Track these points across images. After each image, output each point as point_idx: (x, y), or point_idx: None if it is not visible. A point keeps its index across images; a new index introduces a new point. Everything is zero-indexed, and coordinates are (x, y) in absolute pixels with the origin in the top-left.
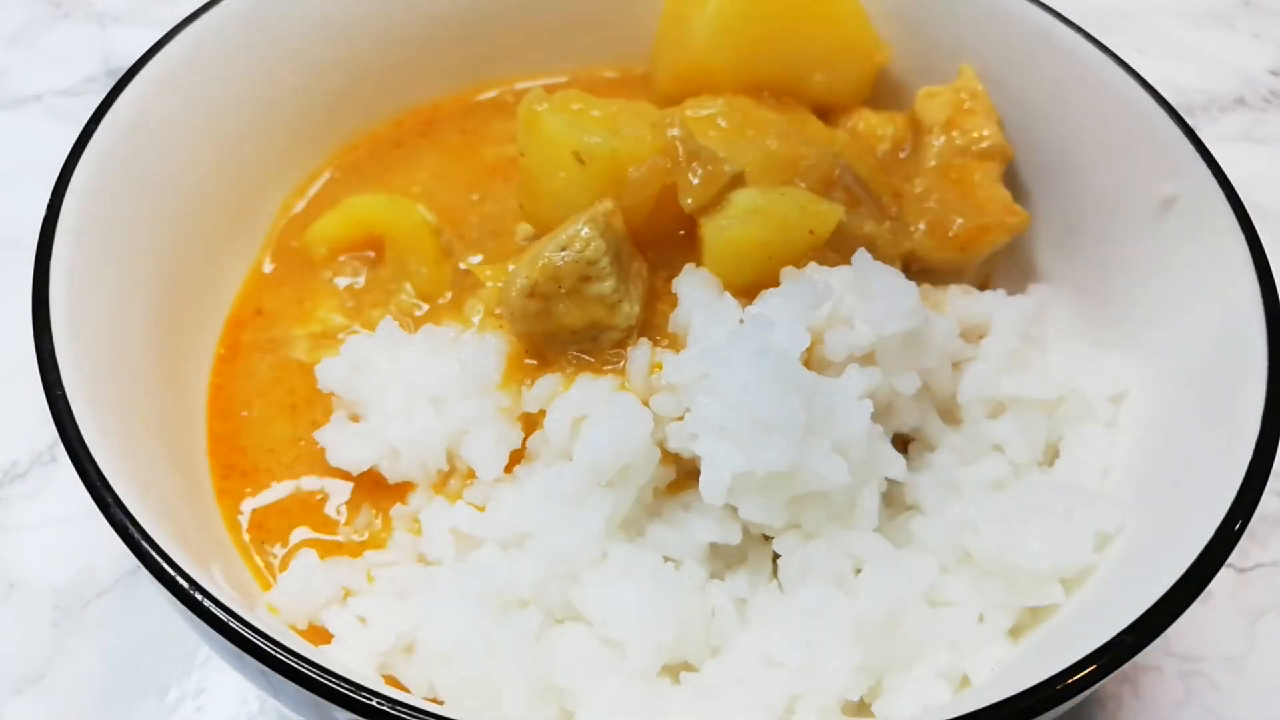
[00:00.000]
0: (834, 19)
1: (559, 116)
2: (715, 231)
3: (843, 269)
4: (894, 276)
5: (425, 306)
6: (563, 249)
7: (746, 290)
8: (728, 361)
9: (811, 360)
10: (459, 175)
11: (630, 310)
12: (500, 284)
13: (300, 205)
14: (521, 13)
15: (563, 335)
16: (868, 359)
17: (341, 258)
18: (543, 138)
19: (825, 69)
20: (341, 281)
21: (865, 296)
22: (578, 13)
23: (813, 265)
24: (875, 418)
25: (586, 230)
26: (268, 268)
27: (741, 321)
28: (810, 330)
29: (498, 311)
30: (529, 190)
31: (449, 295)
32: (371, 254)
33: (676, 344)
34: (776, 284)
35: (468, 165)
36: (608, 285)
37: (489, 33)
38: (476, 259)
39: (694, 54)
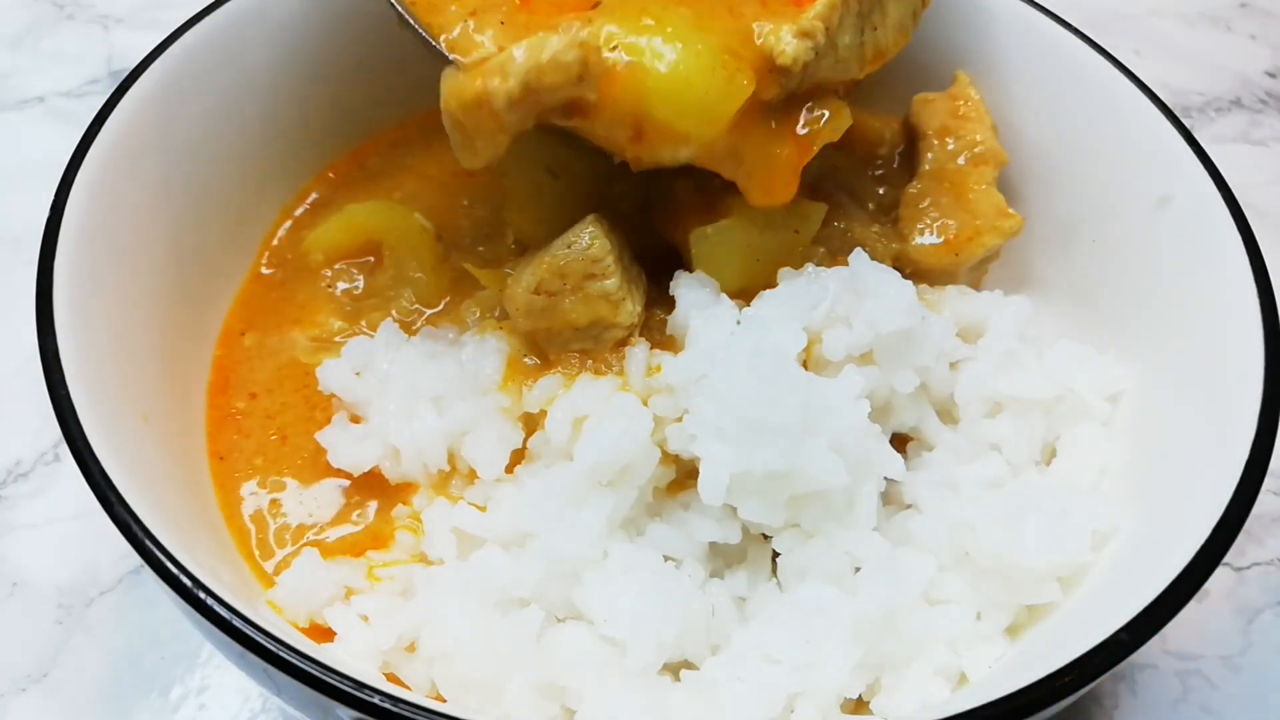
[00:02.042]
0: None
1: (530, 134)
2: (699, 240)
3: (839, 269)
4: (890, 275)
5: (426, 312)
6: (568, 247)
7: (741, 294)
8: (725, 363)
9: (810, 360)
10: (448, 181)
11: (633, 309)
12: (500, 290)
13: (298, 211)
14: None
15: (566, 333)
16: (865, 358)
17: (339, 265)
18: (517, 155)
19: None
20: (340, 286)
21: (862, 295)
22: None
23: (810, 266)
24: (873, 417)
25: (591, 230)
26: (266, 272)
27: (738, 323)
28: (808, 330)
29: (494, 314)
30: (513, 208)
31: (447, 300)
32: (370, 259)
33: (674, 346)
34: (770, 286)
35: (456, 171)
36: (612, 283)
37: None
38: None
39: None
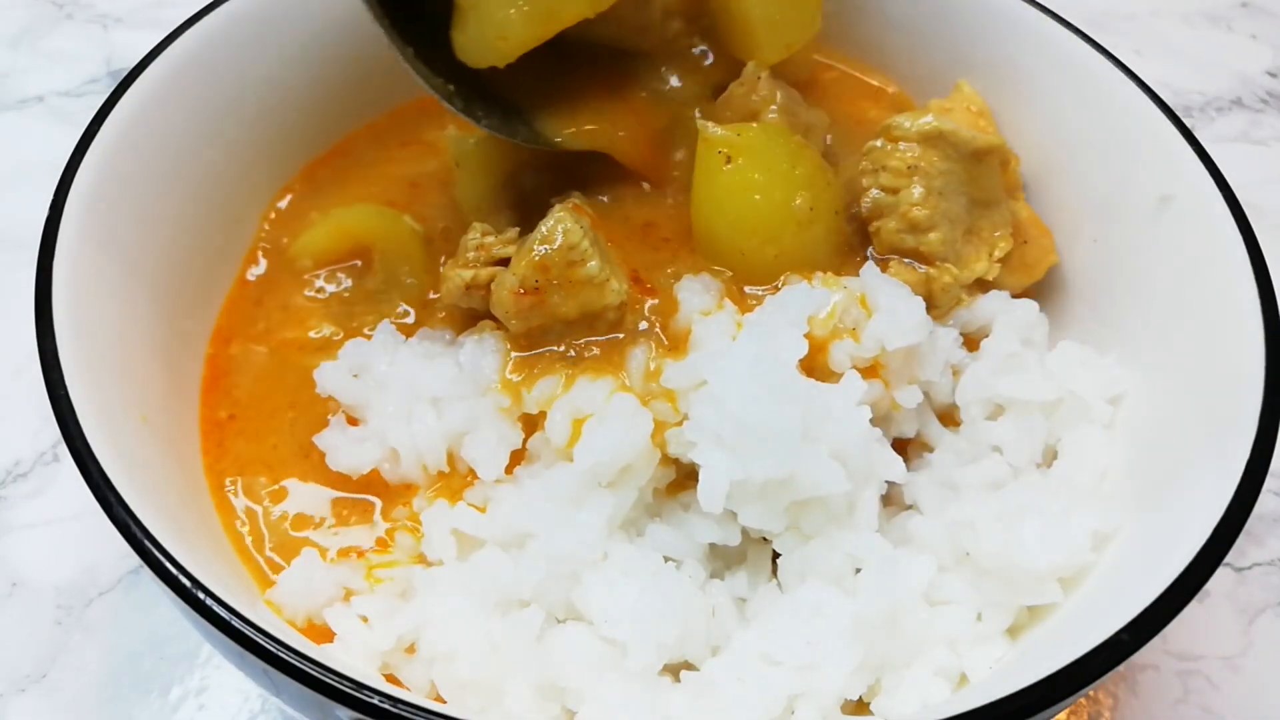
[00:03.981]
0: None
1: (447, 135)
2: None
3: (848, 279)
4: (901, 290)
5: (415, 315)
6: (543, 242)
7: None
8: (725, 370)
9: (815, 369)
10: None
11: (620, 287)
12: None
13: (271, 215)
14: None
15: (558, 328)
16: (870, 370)
17: (325, 271)
18: (445, 156)
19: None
20: (329, 289)
21: (871, 309)
22: None
23: (817, 274)
24: (875, 423)
25: (562, 219)
26: (255, 275)
27: (740, 326)
28: (814, 339)
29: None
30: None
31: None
32: (358, 263)
33: (677, 348)
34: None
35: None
36: (593, 265)
37: None
38: None
39: None
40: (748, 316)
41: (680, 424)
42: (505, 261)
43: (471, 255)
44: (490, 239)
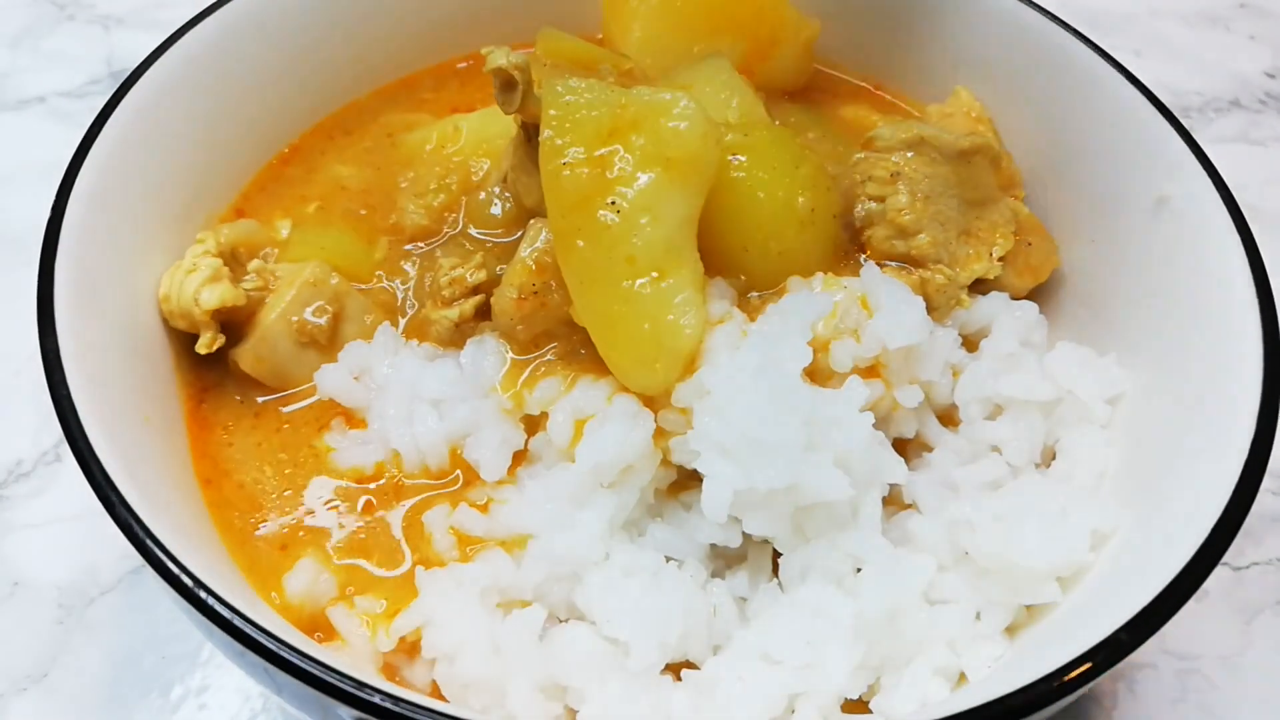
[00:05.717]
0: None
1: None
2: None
3: (848, 279)
4: (901, 289)
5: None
6: (530, 245)
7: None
8: (729, 380)
9: (816, 370)
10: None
11: None
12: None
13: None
14: None
15: (563, 330)
16: (871, 370)
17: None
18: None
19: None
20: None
21: (872, 308)
22: None
23: (818, 275)
24: (876, 425)
25: (544, 226)
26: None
27: (744, 334)
28: (815, 339)
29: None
30: None
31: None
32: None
33: None
34: None
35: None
36: None
37: (462, 3)
38: None
39: (634, 44)
40: (752, 326)
41: (684, 434)
42: (481, 288)
43: (447, 294)
44: (459, 271)
